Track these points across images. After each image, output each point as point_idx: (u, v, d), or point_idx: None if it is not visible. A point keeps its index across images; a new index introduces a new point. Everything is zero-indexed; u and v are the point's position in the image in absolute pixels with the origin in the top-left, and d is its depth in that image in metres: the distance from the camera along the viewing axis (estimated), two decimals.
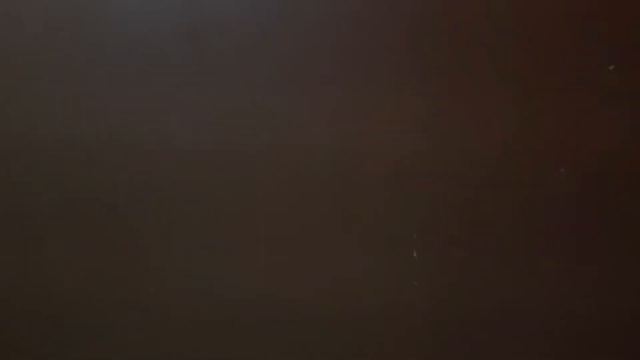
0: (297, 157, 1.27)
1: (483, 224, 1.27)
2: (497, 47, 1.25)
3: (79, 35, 1.26)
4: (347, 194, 1.27)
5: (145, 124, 1.27)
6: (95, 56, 1.26)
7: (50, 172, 1.28)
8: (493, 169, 1.26)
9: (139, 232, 1.28)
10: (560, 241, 1.27)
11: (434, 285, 1.28)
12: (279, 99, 1.27)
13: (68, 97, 1.27)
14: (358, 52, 1.26)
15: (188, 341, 1.30)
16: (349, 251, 1.28)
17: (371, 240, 1.28)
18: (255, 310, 1.29)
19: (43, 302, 1.30)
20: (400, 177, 1.27)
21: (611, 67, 1.25)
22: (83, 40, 1.26)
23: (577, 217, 1.27)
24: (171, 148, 1.27)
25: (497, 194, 1.26)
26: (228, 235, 1.28)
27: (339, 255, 1.28)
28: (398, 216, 1.28)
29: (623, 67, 1.25)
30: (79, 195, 1.28)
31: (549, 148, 1.26)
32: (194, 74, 1.26)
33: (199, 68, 1.27)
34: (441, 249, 1.28)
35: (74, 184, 1.28)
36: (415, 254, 1.28)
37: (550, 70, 1.25)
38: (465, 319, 1.29)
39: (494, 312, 1.29)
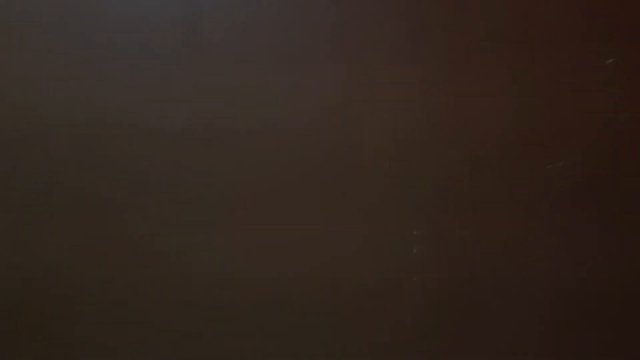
0: (294, 137, 1.27)
1: (482, 198, 1.29)
2: (496, 26, 1.27)
3: (74, 22, 1.25)
4: (346, 172, 1.28)
5: (140, 107, 1.26)
6: (91, 41, 1.25)
7: (44, 158, 1.26)
8: (493, 145, 1.28)
9: (137, 213, 1.27)
10: (559, 224, 1.29)
11: (434, 260, 1.29)
12: (276, 77, 1.26)
13: (63, 81, 1.25)
14: (357, 30, 1.27)
15: (189, 323, 1.29)
16: (348, 225, 1.28)
17: (372, 217, 1.28)
18: (255, 290, 1.29)
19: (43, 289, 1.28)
20: (400, 152, 1.28)
21: (609, 61, 1.28)
22: (77, 27, 1.25)
23: (574, 202, 1.29)
24: (168, 130, 1.26)
25: (495, 170, 1.29)
26: (226, 217, 1.27)
27: (339, 228, 1.28)
28: (398, 194, 1.28)
29: (623, 59, 1.28)
30: (74, 179, 1.26)
31: (550, 128, 1.28)
32: (190, 55, 1.26)
33: (195, 47, 1.26)
34: (442, 227, 1.29)
35: (69, 169, 1.26)
36: (415, 232, 1.29)
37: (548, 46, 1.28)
38: (466, 295, 1.30)
39: (495, 285, 1.30)
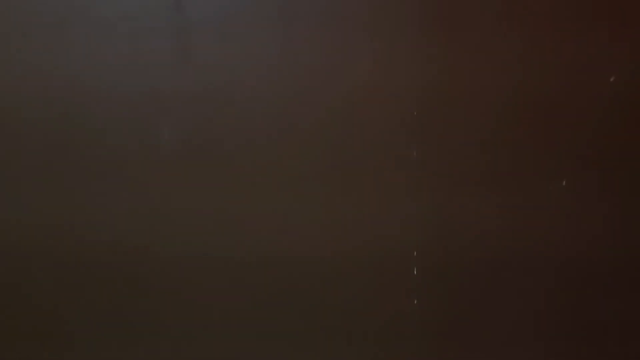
0: (298, 107, 1.27)
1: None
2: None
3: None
4: (351, 144, 1.28)
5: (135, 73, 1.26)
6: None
7: (40, 117, 1.27)
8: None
9: (135, 179, 1.28)
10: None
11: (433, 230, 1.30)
12: (281, 45, 1.27)
13: (56, 49, 1.26)
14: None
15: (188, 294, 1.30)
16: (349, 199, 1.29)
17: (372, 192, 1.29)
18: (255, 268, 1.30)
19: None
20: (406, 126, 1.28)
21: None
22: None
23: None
24: (166, 97, 1.27)
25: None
26: (223, 187, 1.28)
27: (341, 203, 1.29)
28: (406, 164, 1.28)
29: None
30: (70, 140, 1.27)
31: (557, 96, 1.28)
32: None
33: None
34: (446, 196, 1.29)
35: (65, 130, 1.27)
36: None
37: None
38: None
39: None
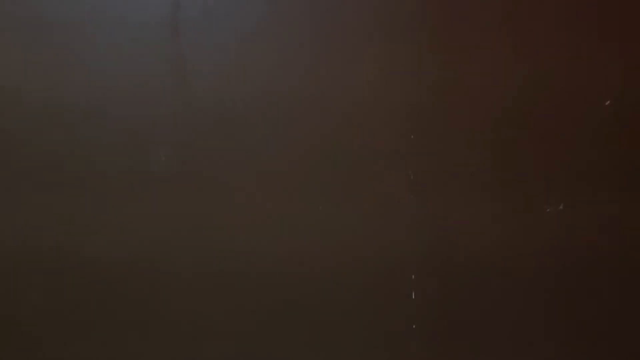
0: (297, 116, 1.28)
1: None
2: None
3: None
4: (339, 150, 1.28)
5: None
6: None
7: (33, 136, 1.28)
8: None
9: (131, 194, 1.28)
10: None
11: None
12: (284, 47, 1.27)
13: (47, 70, 1.27)
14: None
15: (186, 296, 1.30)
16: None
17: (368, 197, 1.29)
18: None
19: None
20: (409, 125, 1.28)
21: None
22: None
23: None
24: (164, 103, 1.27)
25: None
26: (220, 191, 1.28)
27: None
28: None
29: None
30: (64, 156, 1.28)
31: (557, 100, 1.28)
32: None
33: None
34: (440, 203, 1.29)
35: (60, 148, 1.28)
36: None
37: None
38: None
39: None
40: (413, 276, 1.30)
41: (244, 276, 1.30)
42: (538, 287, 1.30)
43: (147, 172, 1.28)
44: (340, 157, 1.28)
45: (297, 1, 1.27)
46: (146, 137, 1.27)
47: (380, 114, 1.28)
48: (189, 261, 1.29)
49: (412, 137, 1.29)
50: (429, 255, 1.30)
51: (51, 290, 1.29)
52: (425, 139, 1.29)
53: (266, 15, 1.27)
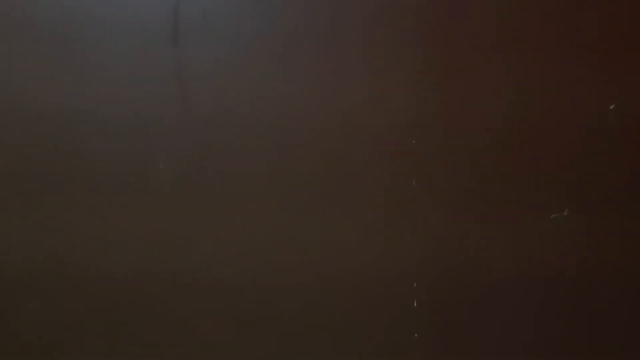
0: (297, 132, 1.28)
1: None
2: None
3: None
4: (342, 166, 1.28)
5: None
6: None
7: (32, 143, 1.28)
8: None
9: (130, 205, 1.28)
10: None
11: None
12: (283, 54, 1.28)
13: (48, 76, 1.27)
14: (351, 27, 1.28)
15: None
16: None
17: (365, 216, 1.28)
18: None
19: None
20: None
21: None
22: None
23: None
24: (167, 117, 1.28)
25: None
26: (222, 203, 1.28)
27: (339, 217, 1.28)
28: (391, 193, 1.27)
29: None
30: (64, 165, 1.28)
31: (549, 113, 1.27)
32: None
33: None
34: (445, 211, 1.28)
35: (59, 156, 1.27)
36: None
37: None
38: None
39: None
40: (415, 284, 1.28)
41: (245, 286, 1.29)
42: (544, 295, 1.28)
43: (146, 180, 1.27)
44: (342, 165, 1.28)
45: (296, 8, 1.28)
46: (145, 144, 1.27)
47: (381, 121, 1.28)
48: (189, 271, 1.28)
49: (414, 142, 1.28)
50: (432, 263, 1.28)
51: (50, 301, 1.28)
52: (428, 145, 1.28)
53: (265, 22, 1.28)
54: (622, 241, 1.28)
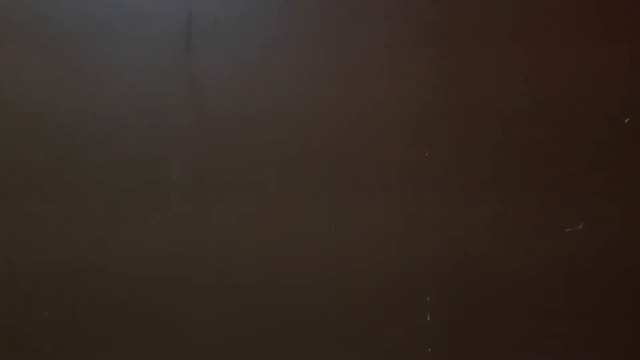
0: (310, 130, 1.28)
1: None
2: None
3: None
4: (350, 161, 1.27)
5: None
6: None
7: (42, 151, 1.27)
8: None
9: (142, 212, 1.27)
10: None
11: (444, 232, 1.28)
12: (296, 60, 1.28)
13: (59, 83, 1.27)
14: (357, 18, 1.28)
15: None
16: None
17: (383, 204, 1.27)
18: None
19: None
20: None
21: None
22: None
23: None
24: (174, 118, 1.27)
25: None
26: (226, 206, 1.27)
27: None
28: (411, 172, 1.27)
29: None
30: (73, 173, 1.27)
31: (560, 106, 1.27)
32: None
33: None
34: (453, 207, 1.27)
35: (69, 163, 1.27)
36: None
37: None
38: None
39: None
40: (428, 298, 1.26)
41: (257, 290, 1.27)
42: (559, 309, 1.27)
43: (158, 188, 1.27)
44: (354, 169, 1.27)
45: (309, 14, 1.27)
46: (158, 152, 1.26)
47: (394, 127, 1.28)
48: (200, 274, 1.28)
49: (426, 154, 1.27)
50: (445, 276, 1.27)
51: (59, 306, 1.27)
52: (440, 155, 1.27)
53: (278, 28, 1.27)
54: (636, 242, 1.27)
